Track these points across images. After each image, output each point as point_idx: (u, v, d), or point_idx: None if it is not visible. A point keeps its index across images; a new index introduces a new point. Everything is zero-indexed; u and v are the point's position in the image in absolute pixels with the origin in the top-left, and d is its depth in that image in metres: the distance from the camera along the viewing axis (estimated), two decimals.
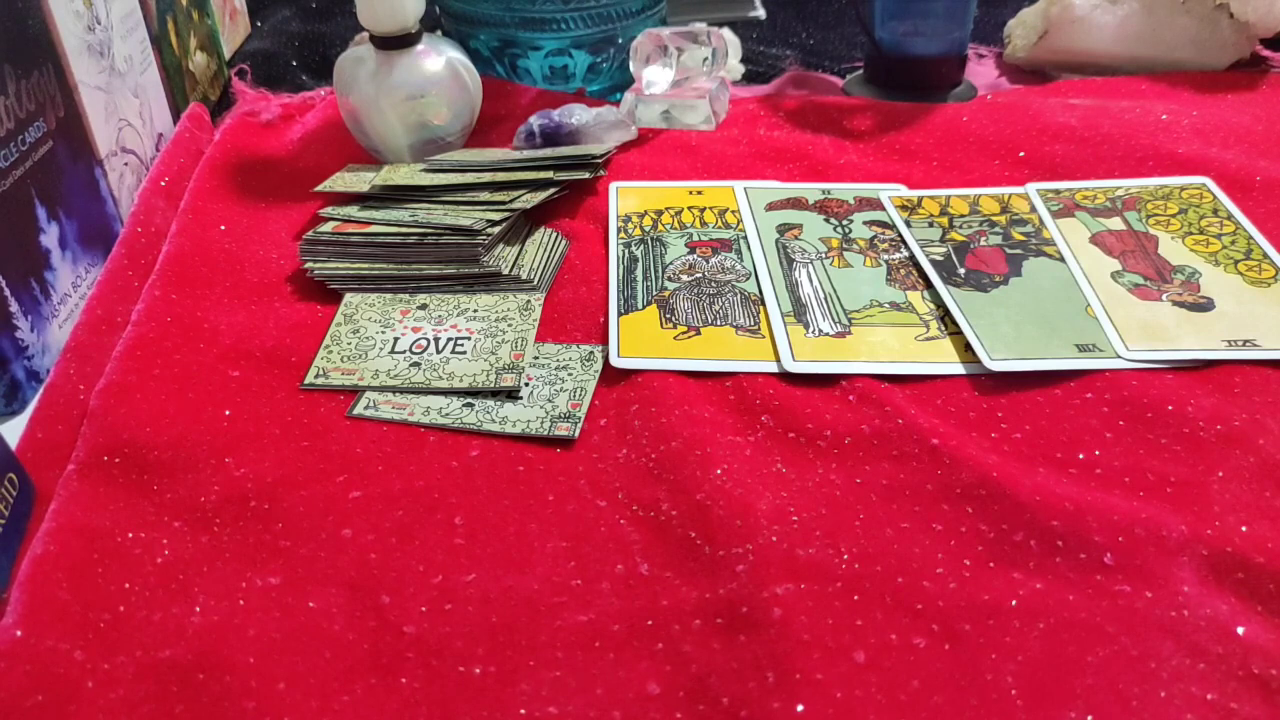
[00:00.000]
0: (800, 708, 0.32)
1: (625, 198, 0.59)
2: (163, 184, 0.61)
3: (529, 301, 0.52)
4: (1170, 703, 0.33)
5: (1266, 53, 0.74)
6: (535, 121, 0.62)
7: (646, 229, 0.57)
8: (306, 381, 0.47)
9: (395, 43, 0.59)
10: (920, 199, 0.58)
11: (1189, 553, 0.37)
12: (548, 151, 0.60)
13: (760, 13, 0.88)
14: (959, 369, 0.46)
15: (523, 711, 0.33)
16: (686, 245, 0.55)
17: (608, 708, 0.33)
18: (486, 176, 0.58)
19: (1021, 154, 0.62)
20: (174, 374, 0.47)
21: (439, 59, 0.61)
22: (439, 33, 0.66)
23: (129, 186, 0.60)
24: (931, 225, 0.56)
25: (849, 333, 0.48)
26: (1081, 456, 0.42)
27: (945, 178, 0.61)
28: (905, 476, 0.41)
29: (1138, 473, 0.41)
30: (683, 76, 0.66)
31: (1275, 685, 0.33)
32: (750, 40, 0.82)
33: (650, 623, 0.36)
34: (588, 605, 0.36)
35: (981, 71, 0.77)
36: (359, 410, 0.45)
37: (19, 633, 0.35)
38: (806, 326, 0.49)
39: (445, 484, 0.41)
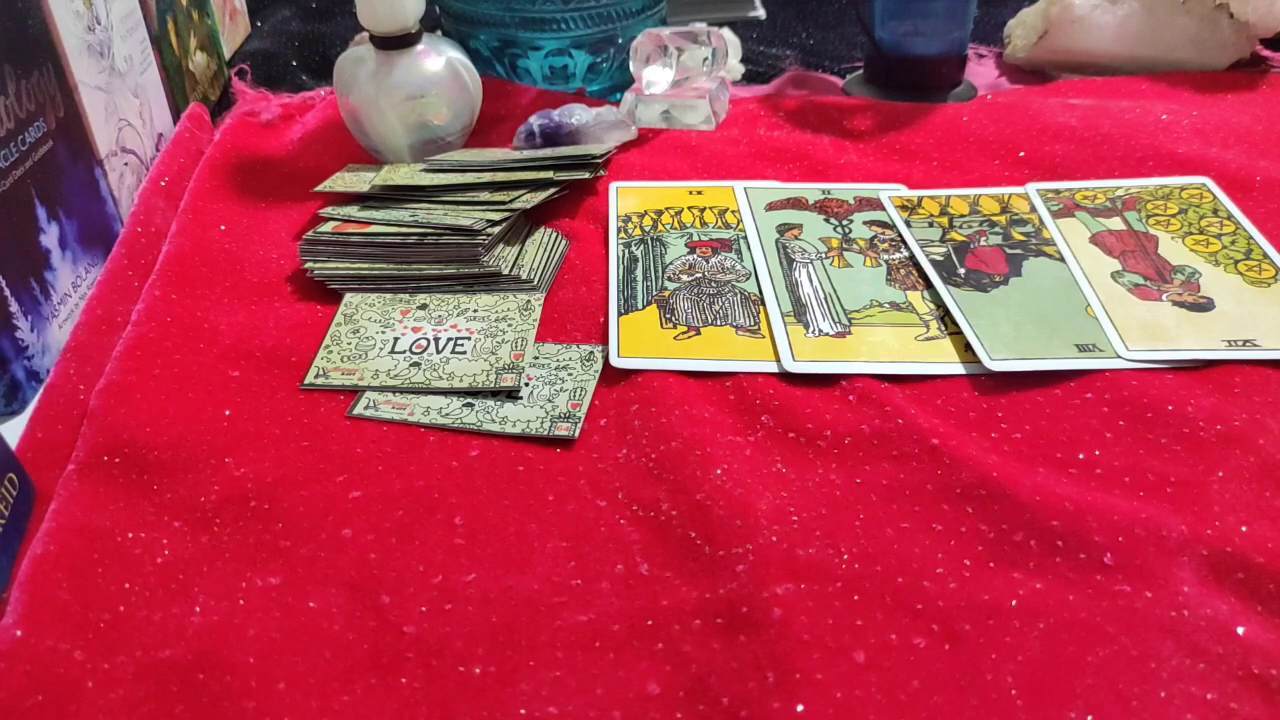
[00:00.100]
0: (800, 708, 0.32)
1: (625, 198, 0.59)
2: (163, 184, 0.61)
3: (529, 301, 0.52)
4: (1170, 703, 0.33)
5: (1266, 53, 0.74)
6: (535, 121, 0.62)
7: (646, 229, 0.57)
8: (306, 381, 0.47)
9: (395, 43, 0.59)
10: (920, 199, 0.58)
11: (1189, 553, 0.37)
12: (548, 151, 0.60)
13: (760, 13, 0.88)
14: (959, 369, 0.46)
15: (523, 711, 0.33)
16: (686, 245, 0.55)
17: (608, 708, 0.33)
18: (486, 176, 0.58)
19: (1021, 154, 0.62)
20: (174, 374, 0.47)
21: (439, 59, 0.61)
22: (439, 33, 0.66)
23: (129, 186, 0.60)
24: (931, 225, 0.56)
25: (849, 333, 0.48)
26: (1081, 456, 0.42)
27: (945, 178, 0.61)
28: (905, 476, 0.41)
29: (1138, 473, 0.41)
30: (683, 76, 0.66)
31: (1275, 685, 0.33)
32: (750, 40, 0.82)
33: (650, 623, 0.36)
34: (588, 605, 0.36)
35: (981, 71, 0.77)
36: (359, 410, 0.45)
37: (19, 633, 0.35)
38: (806, 326, 0.49)
39: (445, 484, 0.41)
